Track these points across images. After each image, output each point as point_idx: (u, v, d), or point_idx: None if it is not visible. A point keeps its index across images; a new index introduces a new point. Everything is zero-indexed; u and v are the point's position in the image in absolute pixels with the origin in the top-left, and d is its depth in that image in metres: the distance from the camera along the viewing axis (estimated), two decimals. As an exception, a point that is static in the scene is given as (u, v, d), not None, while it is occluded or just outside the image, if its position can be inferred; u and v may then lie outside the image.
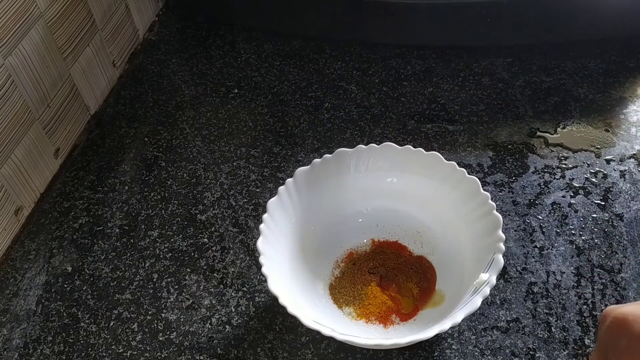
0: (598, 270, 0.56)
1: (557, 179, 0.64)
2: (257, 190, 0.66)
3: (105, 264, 0.60)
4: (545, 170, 0.65)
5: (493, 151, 0.67)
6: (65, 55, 0.68)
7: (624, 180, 0.63)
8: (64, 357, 0.54)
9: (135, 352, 0.54)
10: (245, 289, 0.57)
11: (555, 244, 0.58)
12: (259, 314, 0.56)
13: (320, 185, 0.57)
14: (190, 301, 0.57)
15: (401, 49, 0.80)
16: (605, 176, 0.64)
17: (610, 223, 0.60)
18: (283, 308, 0.47)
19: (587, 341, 0.52)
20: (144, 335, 0.55)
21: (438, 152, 0.56)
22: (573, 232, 0.59)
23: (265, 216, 0.53)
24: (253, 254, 0.60)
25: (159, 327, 0.55)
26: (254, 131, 0.72)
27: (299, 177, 0.56)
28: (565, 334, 0.52)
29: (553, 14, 0.75)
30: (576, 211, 0.61)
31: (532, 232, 0.60)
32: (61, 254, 0.61)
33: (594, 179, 0.64)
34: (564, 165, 0.65)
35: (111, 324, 0.56)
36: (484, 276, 0.48)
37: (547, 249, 0.58)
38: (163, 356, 0.53)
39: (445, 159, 0.56)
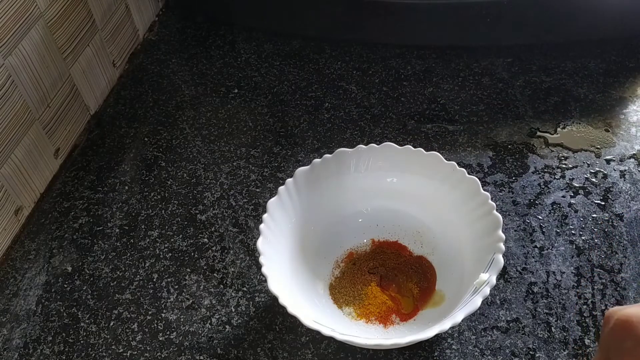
0: (598, 270, 0.56)
1: (557, 179, 0.64)
2: (257, 190, 0.66)
3: (105, 264, 0.60)
4: (545, 170, 0.65)
5: (493, 151, 0.67)
6: (65, 55, 0.68)
7: (624, 180, 0.63)
8: (64, 357, 0.54)
9: (135, 352, 0.54)
10: (245, 289, 0.57)
11: (555, 244, 0.58)
12: (259, 314, 0.55)
13: (320, 185, 0.57)
14: (190, 301, 0.57)
15: (401, 49, 0.80)
16: (605, 176, 0.64)
17: (610, 223, 0.60)
18: (283, 308, 0.47)
19: (587, 341, 0.52)
20: (144, 335, 0.55)
21: (438, 152, 0.56)
22: (573, 232, 0.59)
23: (265, 216, 0.53)
24: (253, 254, 0.60)
25: (159, 327, 0.55)
26: (254, 131, 0.72)
27: (299, 177, 0.56)
28: (565, 334, 0.52)
29: (553, 14, 0.75)
30: (576, 211, 0.61)
31: (532, 232, 0.60)
32: (61, 254, 0.61)
33: (594, 179, 0.64)
34: (564, 165, 0.65)
35: (111, 324, 0.56)
36: (484, 276, 0.48)
37: (547, 249, 0.58)
38: (163, 356, 0.53)
39: (445, 159, 0.56)
